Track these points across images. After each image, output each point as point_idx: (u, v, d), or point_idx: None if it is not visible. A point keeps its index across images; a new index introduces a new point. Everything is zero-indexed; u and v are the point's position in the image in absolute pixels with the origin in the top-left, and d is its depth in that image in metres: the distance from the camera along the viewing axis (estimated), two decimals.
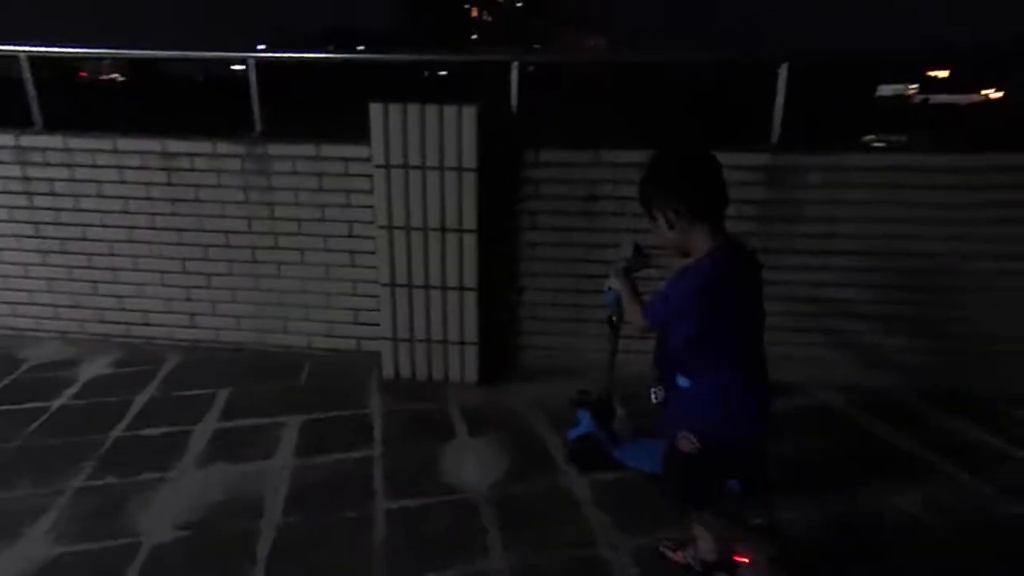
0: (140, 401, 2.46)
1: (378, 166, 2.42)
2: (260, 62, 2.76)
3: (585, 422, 2.03)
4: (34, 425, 2.27)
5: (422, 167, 2.39)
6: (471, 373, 2.62)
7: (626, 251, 1.73)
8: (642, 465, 1.94)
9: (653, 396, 1.54)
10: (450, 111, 2.32)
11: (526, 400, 2.49)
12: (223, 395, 2.51)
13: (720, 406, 1.39)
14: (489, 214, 2.48)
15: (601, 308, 1.90)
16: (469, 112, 2.32)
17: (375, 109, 2.36)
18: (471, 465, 2.07)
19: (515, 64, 2.55)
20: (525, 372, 2.73)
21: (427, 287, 2.53)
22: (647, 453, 1.81)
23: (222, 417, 2.35)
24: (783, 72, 2.45)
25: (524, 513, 1.83)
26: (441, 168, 2.39)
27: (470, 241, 2.45)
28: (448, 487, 1.95)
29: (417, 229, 2.47)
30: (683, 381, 1.45)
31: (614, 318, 1.89)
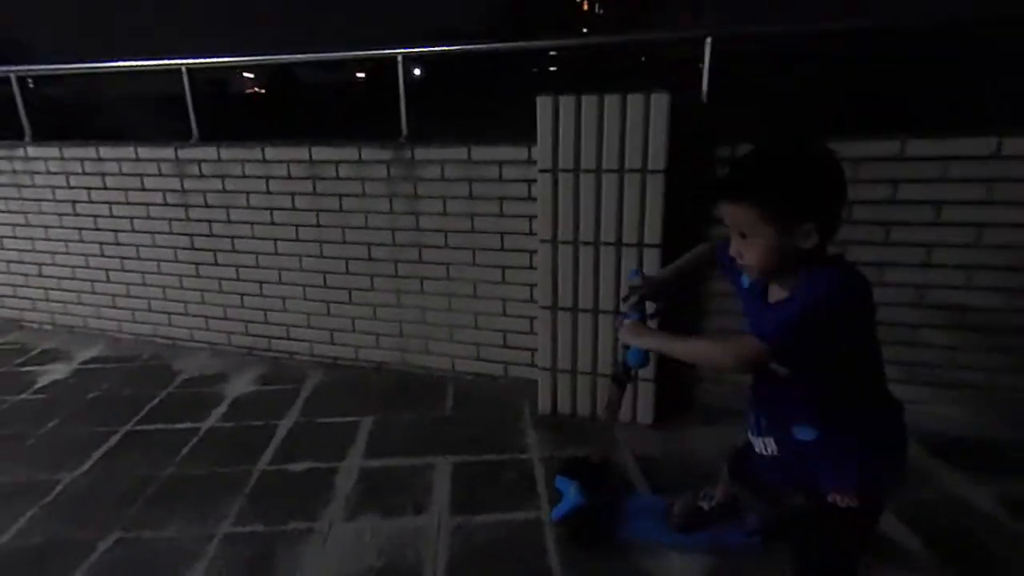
0: (284, 426, 2.30)
1: (543, 170, 2.06)
2: (407, 58, 2.52)
3: (570, 495, 1.64)
4: (185, 450, 2.17)
5: (597, 170, 2.00)
6: (645, 414, 2.19)
7: (626, 292, 1.48)
8: (661, 538, 1.62)
9: (763, 447, 1.27)
10: (635, 100, 1.90)
11: (709, 446, 2.02)
12: (367, 424, 2.29)
13: (881, 451, 1.16)
14: (673, 225, 2.03)
15: None
16: (659, 101, 1.88)
17: (543, 103, 1.99)
18: (698, 541, 1.64)
19: (708, 40, 2.08)
20: (704, 411, 2.26)
21: (596, 311, 2.13)
22: (658, 519, 1.65)
23: (367, 453, 2.11)
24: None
25: None
26: (621, 171, 1.98)
27: (651, 258, 2.02)
28: (642, 569, 1.54)
29: (587, 244, 2.08)
30: (806, 433, 1.17)
31: (632, 373, 1.51)
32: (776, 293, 1.14)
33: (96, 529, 1.77)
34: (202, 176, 2.78)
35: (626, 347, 1.47)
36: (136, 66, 2.97)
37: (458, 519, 1.77)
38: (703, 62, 2.10)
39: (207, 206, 2.81)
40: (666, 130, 1.89)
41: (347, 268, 2.67)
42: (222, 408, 2.47)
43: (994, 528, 1.66)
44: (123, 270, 3.09)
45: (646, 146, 1.93)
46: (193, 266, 2.93)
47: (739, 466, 1.50)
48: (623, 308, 1.49)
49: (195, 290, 2.97)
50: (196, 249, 2.89)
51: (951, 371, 2.06)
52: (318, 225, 2.66)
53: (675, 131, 1.93)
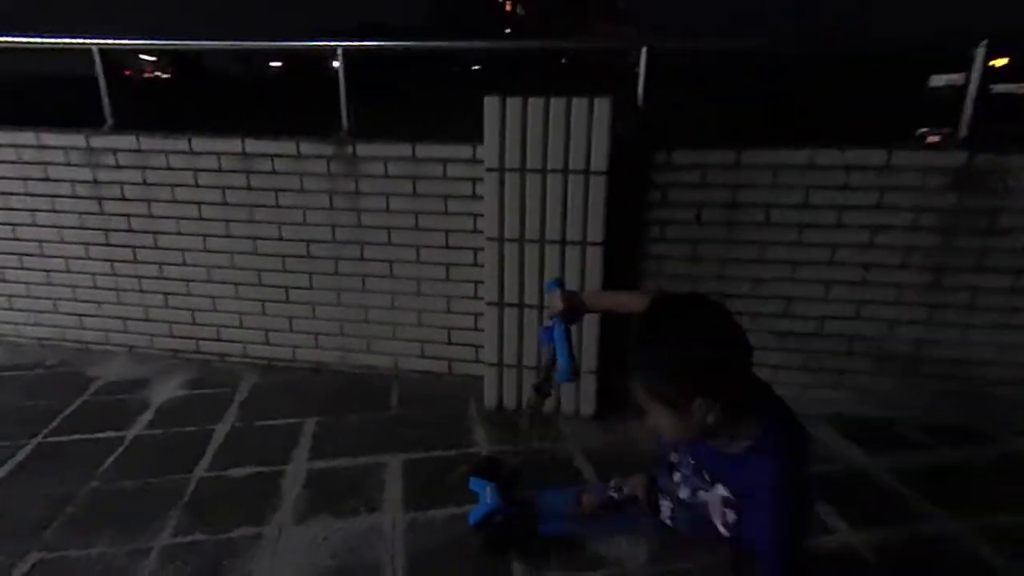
0: (221, 432, 2.20)
1: (490, 169, 2.10)
2: (347, 51, 2.47)
3: (486, 498, 1.58)
4: (109, 461, 2.02)
5: (542, 170, 2.07)
6: (587, 406, 2.29)
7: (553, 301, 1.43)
8: (578, 529, 1.68)
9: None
10: (580, 104, 1.98)
11: (650, 438, 2.14)
12: (310, 425, 2.24)
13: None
14: (614, 225, 2.13)
15: None
16: (602, 105, 1.97)
17: (491, 103, 2.03)
18: (610, 527, 1.73)
19: (644, 50, 2.20)
20: None
21: (541, 307, 2.20)
22: (571, 511, 1.69)
23: (313, 455, 2.07)
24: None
25: None
26: (565, 171, 2.05)
27: (594, 257, 2.12)
28: (597, 559, 1.62)
29: (533, 241, 2.14)
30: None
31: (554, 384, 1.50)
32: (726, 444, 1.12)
33: (9, 553, 1.62)
34: (119, 167, 2.58)
35: (552, 360, 1.48)
36: (41, 43, 2.70)
37: (413, 515, 1.77)
38: (635, 67, 2.22)
39: (124, 199, 2.61)
40: (608, 133, 1.99)
41: (284, 266, 2.58)
42: (148, 415, 2.31)
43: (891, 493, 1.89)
44: (22, 268, 2.81)
45: (589, 148, 2.01)
46: (108, 263, 2.71)
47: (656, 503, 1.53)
48: (546, 321, 1.45)
49: (110, 289, 2.75)
50: (112, 245, 2.68)
51: (851, 359, 2.31)
52: (252, 221, 2.55)
53: (615, 135, 2.03)
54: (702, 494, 1.24)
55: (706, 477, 1.23)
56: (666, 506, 1.42)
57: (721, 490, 1.17)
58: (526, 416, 1.60)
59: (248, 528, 1.71)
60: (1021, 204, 2.07)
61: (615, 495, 1.69)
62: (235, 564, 1.59)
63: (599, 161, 2.02)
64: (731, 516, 1.15)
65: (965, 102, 2.10)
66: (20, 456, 2.05)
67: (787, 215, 2.18)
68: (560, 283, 1.47)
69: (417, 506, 1.81)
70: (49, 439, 2.15)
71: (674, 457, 1.37)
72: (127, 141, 2.54)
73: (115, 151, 2.56)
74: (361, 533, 1.70)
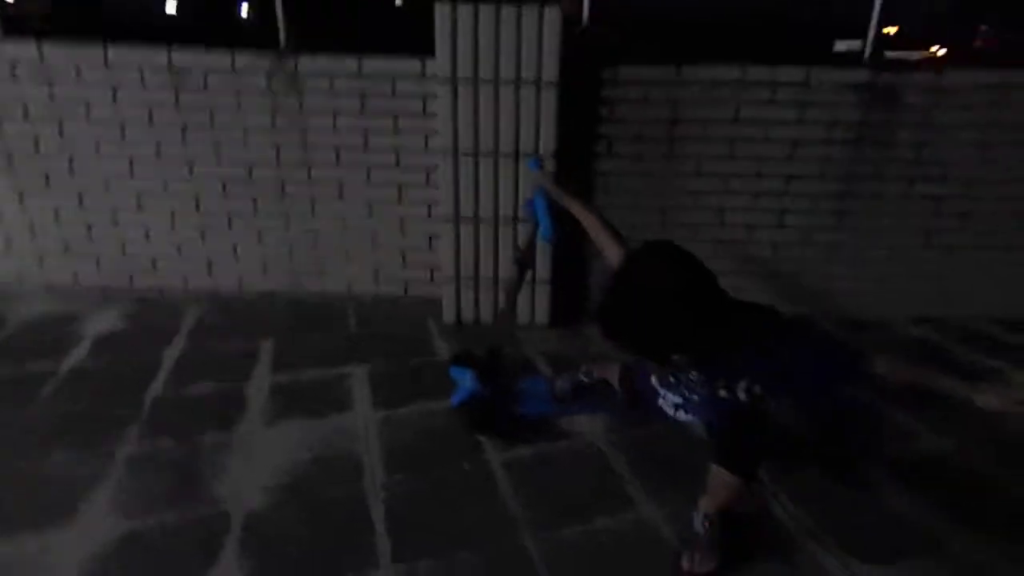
0: (170, 356, 2.12)
1: (443, 79, 2.10)
2: None
3: (466, 383, 1.70)
4: (47, 390, 1.90)
5: (494, 80, 2.10)
6: (542, 315, 2.40)
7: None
8: (549, 410, 1.82)
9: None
10: (530, 12, 2.01)
11: (601, 344, 2.29)
12: (268, 347, 2.20)
13: None
14: (563, 140, 2.21)
15: None
16: (551, 14, 2.02)
17: (441, 10, 2.02)
18: (581, 408, 1.86)
19: None
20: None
21: (496, 221, 2.26)
22: (543, 395, 1.84)
23: (275, 370, 2.05)
24: None
25: (653, 458, 1.66)
26: (517, 82, 2.09)
27: (547, 169, 2.19)
28: (562, 433, 1.75)
29: (487, 155, 2.18)
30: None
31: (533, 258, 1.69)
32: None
33: None
34: (16, 80, 2.33)
35: (535, 230, 1.60)
36: None
37: (385, 412, 1.82)
38: None
39: (28, 119, 2.37)
40: (558, 41, 2.04)
41: (224, 190, 2.47)
42: (83, 348, 2.18)
43: None
44: None
45: (540, 57, 2.06)
46: (14, 194, 2.47)
47: (632, 386, 1.68)
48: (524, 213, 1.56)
49: (20, 222, 2.52)
50: (17, 172, 2.44)
51: (775, 264, 2.56)
52: (184, 143, 2.40)
53: (564, 45, 2.09)
54: (723, 392, 1.30)
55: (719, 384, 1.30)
56: (669, 400, 1.47)
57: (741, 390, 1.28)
58: (505, 291, 1.69)
59: (217, 434, 1.70)
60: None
61: (585, 379, 1.82)
62: (208, 462, 1.58)
63: (550, 70, 2.08)
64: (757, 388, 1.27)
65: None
66: None
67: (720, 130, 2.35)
68: (540, 163, 1.57)
69: (388, 405, 1.86)
70: None
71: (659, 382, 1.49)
72: (26, 50, 2.29)
73: (13, 62, 2.30)
74: (335, 430, 1.74)
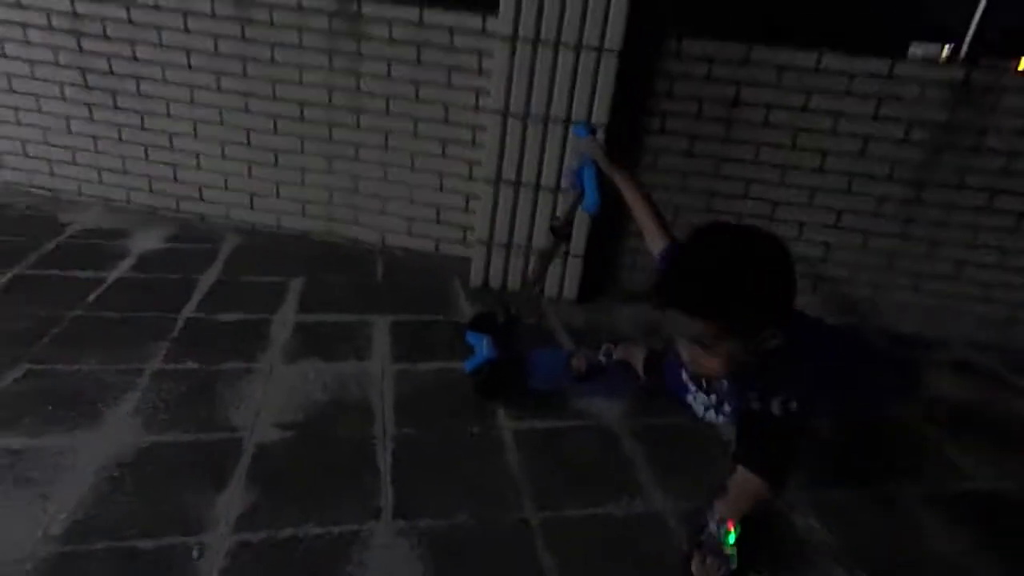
0: (205, 282, 2.19)
1: (504, 38, 2.04)
2: None
3: (482, 348, 1.66)
4: (92, 296, 2.01)
5: (556, 43, 2.02)
6: (571, 290, 2.36)
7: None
8: (563, 384, 1.79)
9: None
10: None
11: (628, 323, 2.26)
12: (296, 284, 2.25)
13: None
14: (616, 111, 2.13)
15: None
16: None
17: None
18: (597, 387, 1.84)
19: None
20: (625, 293, 2.48)
21: (537, 187, 2.22)
22: (560, 368, 1.83)
23: (300, 309, 2.09)
24: None
25: (670, 449, 1.62)
26: (578, 47, 2.02)
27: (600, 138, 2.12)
28: (577, 412, 1.73)
29: (537, 119, 2.13)
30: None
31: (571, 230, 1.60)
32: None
33: None
34: (101, 0, 2.40)
35: (578, 199, 1.54)
36: None
37: (401, 365, 1.84)
38: None
39: (106, 37, 2.45)
40: (626, 7, 1.95)
41: (275, 127, 2.50)
42: (129, 261, 2.28)
43: None
44: None
45: (605, 24, 1.98)
46: (85, 107, 2.57)
47: (658, 375, 1.60)
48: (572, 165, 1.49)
49: (87, 135, 2.62)
50: (90, 88, 2.53)
51: (824, 268, 2.43)
52: (245, 75, 2.44)
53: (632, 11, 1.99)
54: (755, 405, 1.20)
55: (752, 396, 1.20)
56: (700, 400, 1.36)
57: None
58: (535, 259, 1.63)
59: (239, 362, 1.75)
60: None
61: (603, 359, 1.79)
62: (228, 389, 1.64)
63: (615, 38, 1.99)
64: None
65: None
66: None
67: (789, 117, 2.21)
68: (591, 130, 1.49)
69: (405, 359, 1.88)
70: (27, 272, 2.11)
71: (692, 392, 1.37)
72: None
73: None
74: (352, 375, 1.77)
